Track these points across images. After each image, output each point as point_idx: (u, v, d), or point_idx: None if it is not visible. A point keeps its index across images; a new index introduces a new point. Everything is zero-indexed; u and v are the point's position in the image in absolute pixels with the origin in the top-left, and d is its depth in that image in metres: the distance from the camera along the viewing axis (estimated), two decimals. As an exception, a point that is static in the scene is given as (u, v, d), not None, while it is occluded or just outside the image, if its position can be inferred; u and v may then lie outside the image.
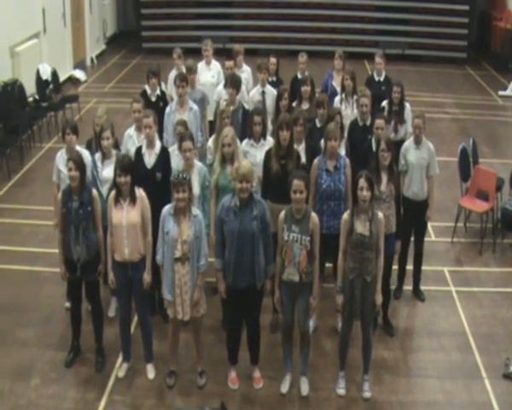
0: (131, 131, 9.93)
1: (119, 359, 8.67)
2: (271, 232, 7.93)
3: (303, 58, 12.78)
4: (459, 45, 23.78)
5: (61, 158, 9.10)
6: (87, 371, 8.55)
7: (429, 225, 11.23)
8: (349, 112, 11.14)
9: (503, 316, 9.83)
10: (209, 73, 12.87)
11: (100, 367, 8.57)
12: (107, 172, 8.73)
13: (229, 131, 8.91)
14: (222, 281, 8.01)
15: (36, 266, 10.70)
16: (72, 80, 20.74)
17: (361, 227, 7.71)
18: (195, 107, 10.86)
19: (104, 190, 8.84)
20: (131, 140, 9.82)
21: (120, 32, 26.97)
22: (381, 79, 12.48)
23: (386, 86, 11.93)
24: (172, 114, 10.64)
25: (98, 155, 9.11)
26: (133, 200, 7.97)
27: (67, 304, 9.40)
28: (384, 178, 8.69)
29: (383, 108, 11.14)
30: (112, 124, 9.24)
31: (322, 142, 9.14)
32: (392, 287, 9.78)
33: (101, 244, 8.28)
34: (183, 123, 9.54)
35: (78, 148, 9.09)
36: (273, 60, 12.65)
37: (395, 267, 9.72)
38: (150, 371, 8.49)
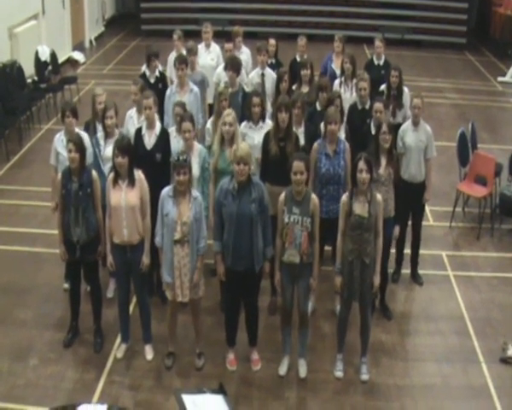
0: (132, 112, 9.95)
1: (118, 340, 8.70)
2: (270, 215, 7.95)
3: (302, 41, 12.75)
4: (459, 31, 23.72)
5: (59, 140, 9.09)
6: (86, 351, 8.58)
7: (427, 209, 11.29)
8: (348, 95, 11.11)
9: (501, 301, 9.86)
10: (208, 56, 12.84)
11: (98, 348, 8.60)
12: (110, 150, 8.71)
13: (231, 112, 8.90)
14: (220, 263, 8.03)
15: (35, 247, 10.72)
16: (71, 62, 20.70)
17: (360, 209, 7.73)
18: (196, 88, 10.85)
19: (106, 168, 8.86)
20: (132, 121, 9.84)
21: (119, 14, 26.89)
22: (381, 63, 12.46)
23: (385, 70, 11.88)
24: (173, 96, 10.63)
25: (101, 134, 9.14)
26: (132, 181, 7.96)
27: (66, 285, 9.43)
28: (383, 161, 8.70)
29: (382, 91, 11.13)
30: (115, 103, 9.25)
31: (322, 125, 9.13)
32: (390, 270, 9.80)
33: (100, 225, 8.29)
34: (181, 104, 9.53)
35: (76, 130, 9.08)
36: (272, 42, 12.62)
37: (393, 251, 9.74)
38: (148, 353, 8.52)
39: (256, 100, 9.39)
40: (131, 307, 8.92)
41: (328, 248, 9.46)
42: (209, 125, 9.86)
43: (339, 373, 8.32)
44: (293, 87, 11.06)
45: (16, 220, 11.53)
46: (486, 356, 8.72)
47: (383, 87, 11.18)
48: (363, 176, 7.62)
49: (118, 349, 8.58)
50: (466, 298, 9.89)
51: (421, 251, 10.28)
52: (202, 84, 11.52)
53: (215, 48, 13.05)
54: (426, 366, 8.56)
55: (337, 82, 11.49)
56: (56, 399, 7.77)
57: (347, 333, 8.37)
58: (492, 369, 8.50)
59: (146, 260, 8.16)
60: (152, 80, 11.41)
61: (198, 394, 7.37)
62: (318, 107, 10.11)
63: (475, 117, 15.44)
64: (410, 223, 9.99)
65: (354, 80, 11.05)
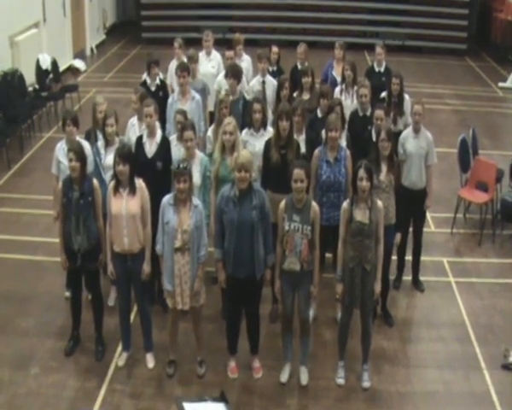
0: (134, 120, 9.96)
1: (119, 348, 8.69)
2: (271, 222, 7.94)
3: (301, 48, 12.73)
4: (459, 36, 23.75)
5: (60, 149, 9.09)
6: (87, 360, 8.57)
7: (429, 215, 11.31)
8: (349, 102, 11.11)
9: (502, 307, 9.85)
10: (209, 64, 12.84)
11: (100, 356, 8.59)
12: (110, 158, 8.69)
13: (231, 120, 8.91)
14: (221, 271, 8.03)
15: (36, 255, 10.73)
16: (72, 70, 20.72)
17: (360, 215, 7.73)
18: (198, 96, 10.84)
19: (107, 176, 8.88)
20: (133, 129, 9.85)
21: (120, 21, 26.92)
22: (382, 69, 12.45)
23: (386, 77, 11.87)
24: (175, 103, 10.61)
25: (101, 142, 9.15)
26: (133, 190, 7.96)
27: (67, 293, 9.44)
28: (384, 168, 8.70)
29: (383, 98, 11.12)
30: (115, 111, 9.26)
31: (323, 132, 9.14)
32: (392, 277, 9.80)
33: (101, 234, 8.29)
34: (182, 112, 9.54)
35: (77, 139, 9.07)
36: (275, 49, 12.65)
37: (394, 258, 9.73)
38: (150, 361, 8.51)
39: (257, 106, 9.39)
40: (132, 316, 8.92)
41: (328, 255, 9.46)
42: (210, 133, 9.86)
43: (340, 380, 8.31)
44: (294, 94, 11.06)
45: (17, 229, 11.54)
46: (488, 363, 8.71)
47: (384, 94, 11.18)
48: (364, 184, 7.63)
49: (119, 358, 8.57)
50: (467, 304, 9.88)
51: (423, 258, 10.28)
52: (203, 91, 11.52)
53: (216, 55, 13.06)
54: (427, 373, 8.55)
55: (338, 89, 11.49)
56: (58, 408, 7.79)
57: (349, 340, 8.36)
58: (494, 376, 8.49)
59: (147, 268, 8.16)
60: (153, 88, 11.41)
61: (199, 402, 7.38)
62: (319, 114, 10.12)
63: (476, 123, 15.43)
64: (411, 229, 9.99)
65: (355, 87, 11.05)
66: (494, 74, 21.54)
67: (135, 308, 8.90)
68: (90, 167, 8.72)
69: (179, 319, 8.32)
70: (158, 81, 11.56)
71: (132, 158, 8.02)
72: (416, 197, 9.65)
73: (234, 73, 10.80)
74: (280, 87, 10.80)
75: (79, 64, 21.01)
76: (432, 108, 16.46)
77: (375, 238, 7.81)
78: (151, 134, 9.09)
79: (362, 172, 7.64)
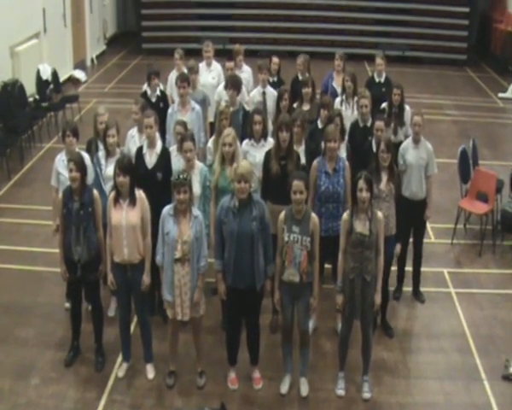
0: (134, 131, 9.96)
1: (119, 359, 8.67)
2: (271, 233, 7.94)
3: (300, 59, 12.74)
4: (459, 47, 23.80)
5: (60, 161, 9.07)
6: (87, 370, 8.55)
7: (429, 226, 11.30)
8: (349, 113, 11.11)
9: (503, 318, 9.84)
10: (209, 75, 12.84)
11: (100, 367, 8.58)
12: (111, 169, 8.66)
13: (230, 131, 8.91)
14: (221, 282, 8.01)
15: (36, 265, 10.71)
16: (73, 80, 20.75)
17: (361, 226, 7.73)
18: (198, 107, 10.85)
19: (107, 187, 8.86)
20: (133, 140, 9.84)
21: (121, 32, 26.97)
22: (382, 80, 12.46)
23: (386, 88, 11.89)
24: (175, 114, 10.62)
25: (102, 153, 9.15)
26: (133, 201, 7.96)
27: (67, 304, 9.42)
28: (384, 177, 8.71)
29: (384, 109, 11.13)
30: (116, 122, 9.26)
31: (323, 143, 9.13)
32: (392, 288, 9.79)
33: (101, 244, 8.28)
34: (182, 123, 9.55)
35: (77, 150, 9.05)
36: (275, 60, 12.66)
37: (394, 268, 9.72)
38: (150, 372, 8.49)
39: (257, 118, 9.40)
40: (133, 326, 8.91)
41: (328, 266, 9.44)
42: (210, 144, 9.87)
43: (340, 392, 8.29)
44: (295, 105, 11.06)
45: (18, 239, 11.53)
46: (489, 373, 8.69)
47: (384, 105, 11.19)
48: (364, 195, 7.63)
49: (119, 368, 8.56)
50: (468, 315, 9.87)
51: (423, 268, 10.26)
52: (203, 102, 11.53)
53: (216, 66, 13.06)
54: (428, 384, 8.53)
55: (338, 100, 11.50)
56: (57, 419, 7.78)
57: (349, 351, 8.35)
58: (495, 386, 8.47)
59: (146, 279, 8.15)
60: (153, 99, 11.43)
61: (199, 413, 7.36)
62: (320, 125, 10.11)
63: (476, 133, 15.46)
64: (411, 240, 9.98)
65: (355, 98, 11.06)
66: (494, 85, 21.56)
67: (135, 319, 8.89)
68: (90, 178, 8.72)
69: (179, 330, 8.31)
70: (158, 92, 11.58)
71: (132, 169, 8.02)
72: (416, 208, 9.64)
73: (233, 83, 10.81)
74: (279, 98, 10.81)
75: (80, 74, 21.05)
76: (432, 118, 16.49)
77: (375, 249, 7.81)
78: (151, 145, 9.10)
79: (361, 183, 7.64)
